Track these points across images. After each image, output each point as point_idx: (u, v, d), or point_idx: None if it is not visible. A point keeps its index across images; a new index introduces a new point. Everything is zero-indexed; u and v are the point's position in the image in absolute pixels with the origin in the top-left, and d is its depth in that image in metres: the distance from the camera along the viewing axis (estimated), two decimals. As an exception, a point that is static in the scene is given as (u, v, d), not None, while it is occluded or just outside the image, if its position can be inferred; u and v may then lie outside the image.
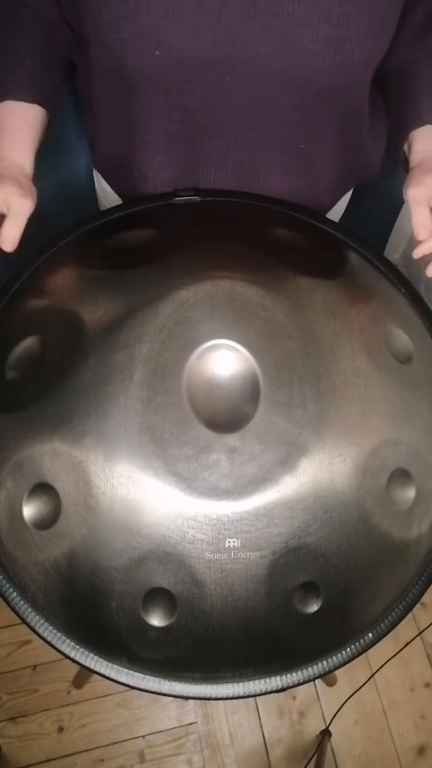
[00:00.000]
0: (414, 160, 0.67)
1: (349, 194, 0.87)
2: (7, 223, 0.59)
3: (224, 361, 0.54)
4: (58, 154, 0.65)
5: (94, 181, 0.88)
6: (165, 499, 0.50)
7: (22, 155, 0.64)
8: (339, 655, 0.57)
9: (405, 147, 0.70)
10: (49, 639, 0.55)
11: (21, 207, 0.59)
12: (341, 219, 0.89)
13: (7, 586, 0.55)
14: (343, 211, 0.89)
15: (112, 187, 0.81)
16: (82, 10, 0.59)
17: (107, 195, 0.83)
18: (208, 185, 0.71)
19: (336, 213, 0.86)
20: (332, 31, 0.56)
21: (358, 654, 0.57)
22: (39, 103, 0.65)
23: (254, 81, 0.60)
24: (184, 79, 0.60)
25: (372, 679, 1.26)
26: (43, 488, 0.53)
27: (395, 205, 1.21)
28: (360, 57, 0.59)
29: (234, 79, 0.59)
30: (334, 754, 1.25)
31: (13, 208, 0.59)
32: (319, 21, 0.56)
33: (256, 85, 0.60)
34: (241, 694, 0.56)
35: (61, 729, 1.25)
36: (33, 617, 0.55)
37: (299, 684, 0.57)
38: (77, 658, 0.56)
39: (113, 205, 0.82)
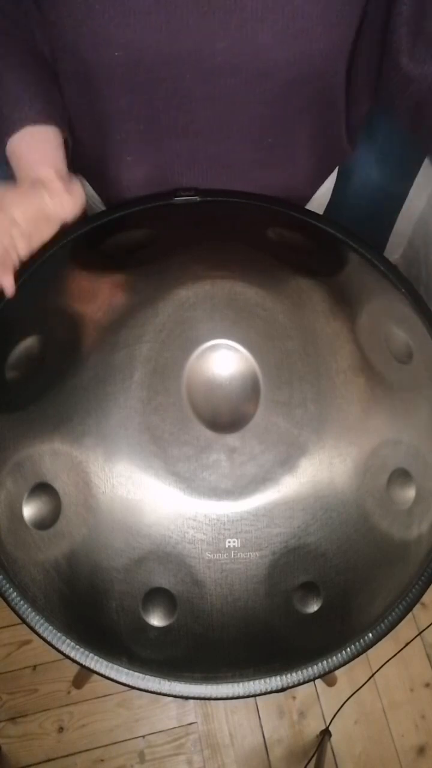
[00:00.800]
0: None
1: (330, 183, 0.86)
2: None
3: (224, 361, 0.54)
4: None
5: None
6: (165, 499, 0.50)
7: (58, 170, 0.63)
8: (339, 655, 0.57)
9: None
10: (49, 639, 0.55)
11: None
12: (334, 213, 0.89)
13: (7, 586, 0.55)
14: (327, 202, 0.88)
15: (93, 189, 0.81)
16: (44, 13, 0.59)
17: (91, 197, 0.84)
18: (182, 183, 0.71)
19: (319, 203, 0.85)
20: (288, 23, 0.56)
21: (358, 654, 0.57)
22: (55, 124, 0.64)
23: (216, 77, 0.60)
24: (147, 78, 0.60)
25: (372, 679, 1.26)
26: (43, 488, 0.53)
27: (395, 205, 1.21)
28: (321, 48, 0.58)
29: (196, 76, 0.59)
30: (334, 754, 1.25)
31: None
32: (274, 13, 0.55)
33: (218, 81, 0.60)
34: (241, 694, 0.56)
35: (61, 729, 1.25)
36: (33, 617, 0.55)
37: (299, 684, 0.57)
38: (77, 658, 0.56)
39: (98, 208, 0.82)
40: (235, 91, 0.61)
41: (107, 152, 0.69)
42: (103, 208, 0.82)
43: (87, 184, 0.82)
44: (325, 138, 0.72)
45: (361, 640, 0.57)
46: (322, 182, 0.82)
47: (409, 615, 0.58)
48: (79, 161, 0.76)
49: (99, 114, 0.65)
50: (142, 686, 0.56)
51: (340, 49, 0.60)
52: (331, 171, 0.83)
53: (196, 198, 0.69)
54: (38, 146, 0.63)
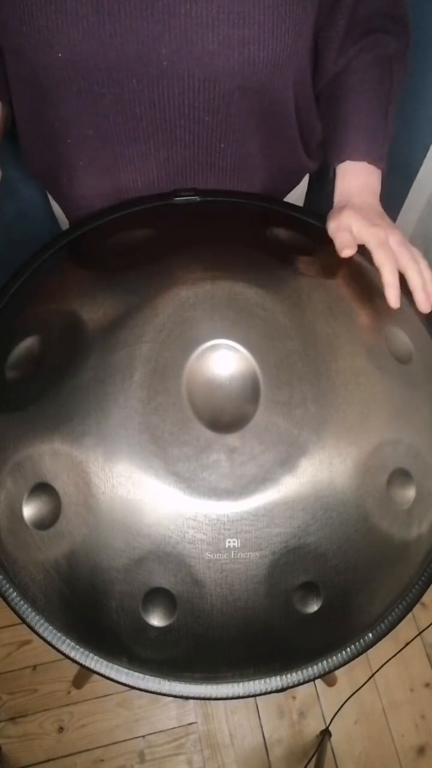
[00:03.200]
0: (336, 198, 0.68)
1: (301, 191, 0.85)
2: None
3: (224, 361, 0.54)
4: (8, 178, 0.65)
5: (48, 200, 0.88)
6: (165, 499, 0.50)
7: None
8: (339, 655, 0.57)
9: (330, 174, 0.71)
10: (49, 639, 0.55)
11: None
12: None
13: (7, 586, 0.55)
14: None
15: (52, 197, 0.81)
16: None
17: (59, 210, 0.83)
18: (136, 188, 0.70)
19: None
20: (233, 31, 0.56)
21: (358, 654, 0.57)
22: None
23: (161, 82, 0.59)
24: (92, 82, 0.59)
25: (372, 679, 1.26)
26: (43, 488, 0.53)
27: (395, 205, 1.21)
28: (266, 57, 0.58)
29: (141, 81, 0.59)
30: (334, 754, 1.25)
31: None
32: (218, 21, 0.55)
33: (163, 87, 0.60)
34: (241, 694, 0.56)
35: (61, 729, 1.25)
36: (33, 617, 0.55)
37: (299, 684, 0.57)
38: (77, 658, 0.56)
39: (63, 225, 0.82)
40: (180, 98, 0.61)
41: (59, 157, 0.69)
42: (68, 225, 0.81)
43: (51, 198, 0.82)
44: (279, 150, 0.72)
45: (361, 640, 0.57)
46: (286, 194, 0.82)
47: (409, 615, 0.58)
48: (34, 168, 0.76)
49: (48, 119, 0.65)
50: (142, 686, 0.56)
51: (288, 59, 0.60)
52: (294, 184, 0.83)
53: (196, 198, 0.69)
54: None
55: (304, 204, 0.88)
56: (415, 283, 0.61)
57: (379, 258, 0.61)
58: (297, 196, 0.85)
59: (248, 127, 0.66)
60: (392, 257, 0.61)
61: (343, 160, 0.68)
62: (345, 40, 0.66)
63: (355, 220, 0.63)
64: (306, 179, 0.86)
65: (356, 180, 0.68)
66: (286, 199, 0.82)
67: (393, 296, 0.60)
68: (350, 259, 0.67)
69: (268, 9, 0.56)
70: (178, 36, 0.56)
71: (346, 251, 0.62)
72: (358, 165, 0.68)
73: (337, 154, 0.69)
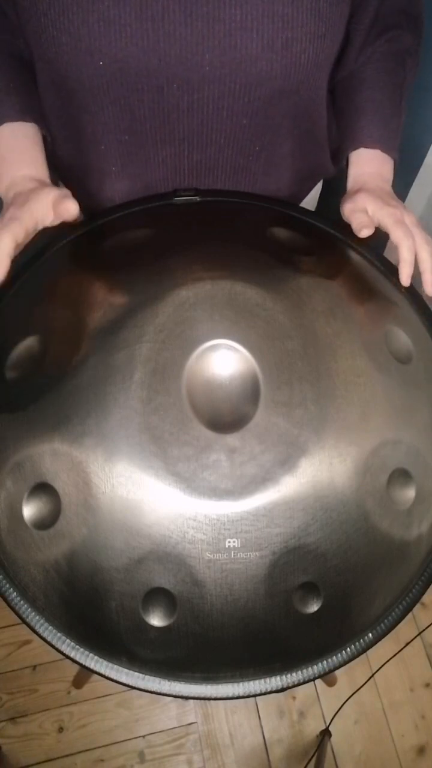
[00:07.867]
0: (349, 184, 0.70)
1: (315, 193, 0.86)
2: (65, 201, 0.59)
3: (224, 361, 0.54)
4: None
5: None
6: (165, 499, 0.50)
7: (39, 170, 0.64)
8: (339, 655, 0.57)
9: (344, 163, 0.73)
10: (49, 639, 0.55)
11: (66, 191, 0.60)
12: (335, 214, 0.90)
13: (7, 586, 0.55)
14: (313, 208, 0.89)
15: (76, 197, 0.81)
16: (23, 23, 0.59)
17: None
18: (166, 189, 0.71)
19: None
20: (277, 34, 0.56)
21: (358, 654, 0.57)
22: (35, 121, 0.64)
23: (202, 87, 0.59)
24: (131, 89, 0.59)
25: (372, 679, 1.26)
26: (43, 488, 0.53)
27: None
28: (307, 59, 0.58)
29: (181, 86, 0.59)
30: (334, 754, 1.25)
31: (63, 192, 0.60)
32: (261, 24, 0.55)
33: (203, 91, 0.59)
34: (241, 694, 0.56)
35: (61, 729, 1.25)
36: (33, 617, 0.55)
37: (299, 684, 0.57)
38: (77, 658, 0.56)
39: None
40: (220, 102, 0.60)
41: (91, 163, 0.69)
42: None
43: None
44: (309, 152, 0.73)
45: (361, 640, 0.57)
46: (306, 193, 0.82)
47: (409, 615, 0.58)
48: (62, 172, 0.76)
49: (82, 126, 0.64)
50: (142, 686, 0.56)
51: (325, 61, 0.61)
52: (311, 188, 0.83)
53: (196, 198, 0.69)
54: (17, 144, 0.63)
55: (316, 210, 0.89)
56: (426, 265, 0.63)
57: (397, 235, 0.63)
58: (309, 204, 0.85)
59: (284, 129, 0.66)
60: (410, 235, 0.62)
61: (357, 147, 0.69)
62: (367, 39, 0.67)
63: (371, 202, 0.65)
64: (319, 185, 0.86)
65: (369, 167, 0.69)
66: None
67: (406, 274, 0.63)
68: (350, 258, 0.67)
69: (309, 11, 0.56)
70: (222, 41, 0.56)
71: (365, 231, 0.63)
72: (371, 152, 0.69)
73: (351, 141, 0.70)
